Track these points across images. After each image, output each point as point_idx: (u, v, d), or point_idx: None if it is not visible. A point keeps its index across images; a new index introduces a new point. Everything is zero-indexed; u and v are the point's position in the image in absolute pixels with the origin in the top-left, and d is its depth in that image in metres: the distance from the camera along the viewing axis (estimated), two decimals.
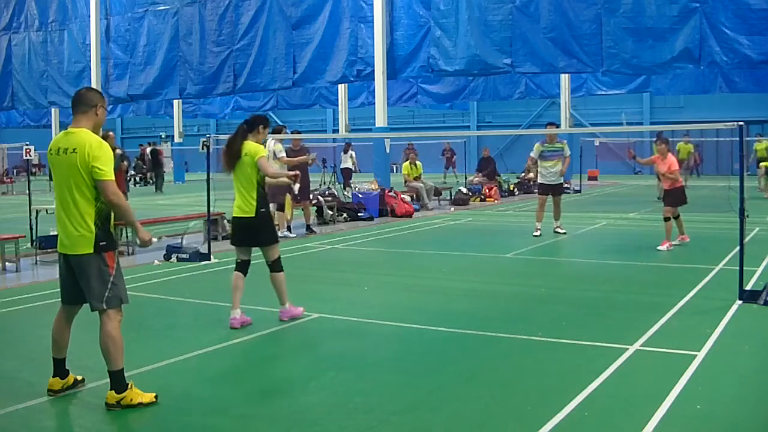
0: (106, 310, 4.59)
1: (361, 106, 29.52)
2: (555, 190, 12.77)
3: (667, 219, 11.06)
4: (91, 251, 4.53)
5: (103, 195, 4.53)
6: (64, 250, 4.63)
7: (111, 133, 12.29)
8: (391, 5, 18.84)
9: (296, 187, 7.00)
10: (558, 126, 12.53)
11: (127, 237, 11.60)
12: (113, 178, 4.55)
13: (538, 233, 12.60)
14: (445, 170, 32.82)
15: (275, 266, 6.72)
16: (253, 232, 6.66)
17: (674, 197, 11.08)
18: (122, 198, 4.59)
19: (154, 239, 4.92)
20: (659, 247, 10.86)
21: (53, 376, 4.81)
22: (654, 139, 25.21)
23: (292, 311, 6.86)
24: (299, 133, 15.14)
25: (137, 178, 33.06)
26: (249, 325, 6.61)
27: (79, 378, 4.92)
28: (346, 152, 25.33)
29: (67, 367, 4.86)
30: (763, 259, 9.67)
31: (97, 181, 4.50)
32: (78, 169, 4.50)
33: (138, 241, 4.82)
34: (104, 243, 4.58)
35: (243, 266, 6.79)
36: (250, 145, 6.67)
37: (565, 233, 12.77)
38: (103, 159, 4.52)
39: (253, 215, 6.57)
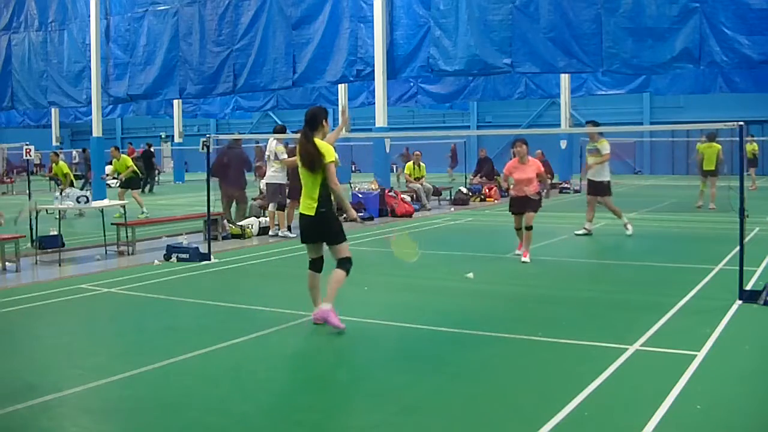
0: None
1: (361, 106, 29.47)
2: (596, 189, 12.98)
3: (528, 228, 10.20)
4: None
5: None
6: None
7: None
8: (391, 5, 18.82)
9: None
10: (597, 124, 12.89)
11: (127, 237, 11.61)
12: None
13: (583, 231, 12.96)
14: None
15: (339, 264, 6.56)
16: (316, 231, 6.57)
17: (534, 204, 10.23)
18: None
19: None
20: (523, 259, 10.16)
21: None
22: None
23: (329, 316, 6.37)
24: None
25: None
26: (341, 331, 6.35)
27: None
28: None
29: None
30: (763, 259, 9.67)
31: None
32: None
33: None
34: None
35: (314, 264, 6.69)
36: (320, 145, 6.45)
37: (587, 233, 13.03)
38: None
39: (313, 214, 6.45)
